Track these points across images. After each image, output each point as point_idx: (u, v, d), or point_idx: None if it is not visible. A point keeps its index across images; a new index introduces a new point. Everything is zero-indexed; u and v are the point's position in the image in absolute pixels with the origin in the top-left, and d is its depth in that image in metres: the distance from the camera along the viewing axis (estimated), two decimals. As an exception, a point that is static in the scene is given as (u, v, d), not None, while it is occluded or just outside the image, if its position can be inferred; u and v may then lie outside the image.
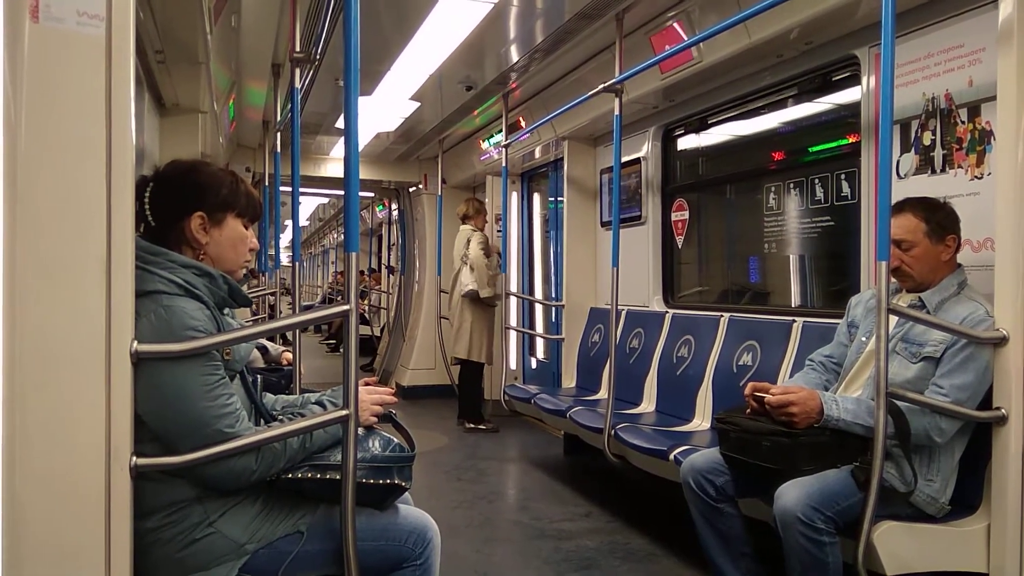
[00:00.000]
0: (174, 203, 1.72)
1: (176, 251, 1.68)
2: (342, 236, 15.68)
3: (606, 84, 3.85)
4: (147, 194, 1.70)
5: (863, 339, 2.51)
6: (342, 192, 1.80)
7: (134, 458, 1.43)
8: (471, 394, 6.10)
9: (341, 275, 15.04)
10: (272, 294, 6.76)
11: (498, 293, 5.80)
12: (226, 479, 1.60)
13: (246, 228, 1.82)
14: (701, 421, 3.74)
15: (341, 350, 10.79)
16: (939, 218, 2.37)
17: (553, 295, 6.50)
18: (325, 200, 12.42)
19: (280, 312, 6.90)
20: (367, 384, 1.91)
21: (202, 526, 1.60)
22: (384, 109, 5.80)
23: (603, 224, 5.21)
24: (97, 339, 1.37)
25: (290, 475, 1.68)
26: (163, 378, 1.51)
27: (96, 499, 1.38)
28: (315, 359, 10.71)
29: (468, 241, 5.95)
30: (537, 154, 6.19)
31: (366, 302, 11.29)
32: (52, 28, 1.32)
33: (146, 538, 1.56)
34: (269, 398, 2.00)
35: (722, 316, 3.86)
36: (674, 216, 4.60)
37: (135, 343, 1.43)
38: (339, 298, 13.23)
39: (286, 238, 7.67)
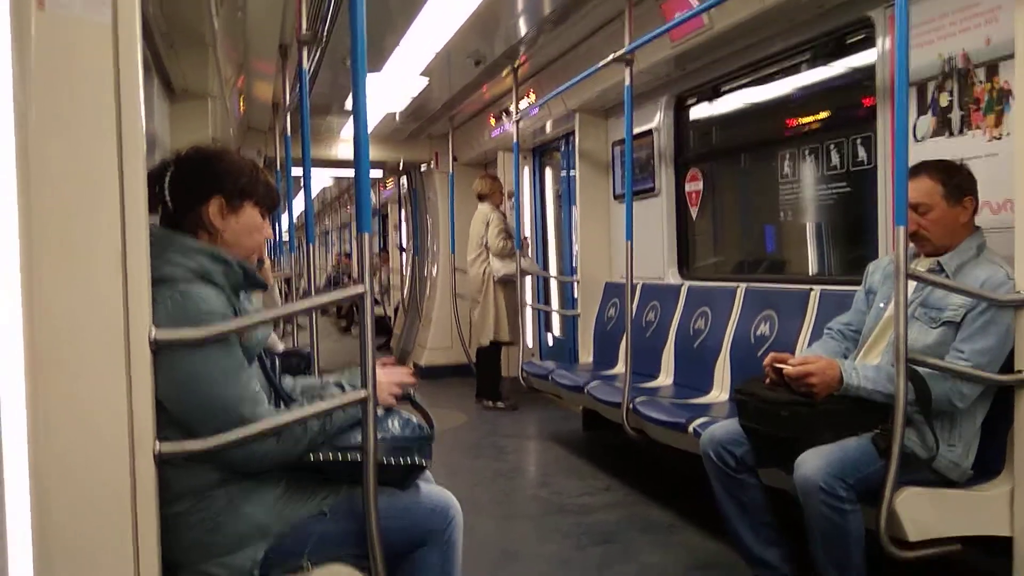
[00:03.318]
0: (194, 187, 1.73)
1: (192, 236, 1.69)
2: (343, 219, 15.81)
3: (616, 54, 3.81)
4: (167, 178, 1.71)
5: (881, 305, 2.49)
6: (352, 172, 1.79)
7: (158, 444, 1.44)
8: (490, 373, 6.11)
9: (346, 257, 15.11)
10: (288, 279, 6.79)
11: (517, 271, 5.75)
12: (248, 462, 1.61)
13: (263, 217, 1.83)
14: (720, 392, 3.73)
15: (352, 331, 10.87)
16: (956, 180, 2.33)
17: (568, 271, 6.48)
18: (329, 182, 12.42)
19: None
20: (385, 365, 1.91)
21: (227, 510, 1.62)
22: (393, 87, 5.77)
23: (616, 197, 5.18)
24: (115, 327, 1.38)
25: (311, 457, 1.69)
26: (182, 364, 1.52)
27: (122, 486, 1.39)
28: (328, 341, 10.74)
29: (487, 224, 5.92)
30: (548, 128, 6.15)
31: (376, 281, 11.30)
32: (58, 15, 1.32)
33: (172, 523, 1.57)
34: (288, 381, 2.01)
35: (738, 287, 3.84)
36: (688, 187, 4.56)
37: (153, 330, 1.44)
38: (345, 279, 13.33)
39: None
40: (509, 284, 5.86)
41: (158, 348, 1.45)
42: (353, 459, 1.69)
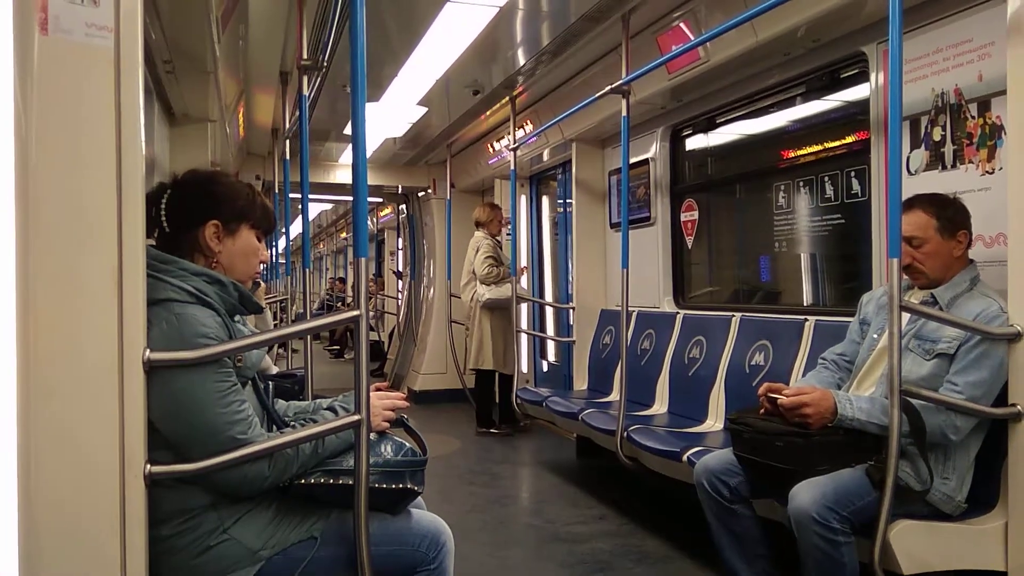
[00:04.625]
0: (190, 210, 1.73)
1: (188, 259, 1.69)
2: (338, 243, 15.85)
3: (613, 85, 3.85)
4: (164, 200, 1.72)
5: (875, 336, 2.49)
6: (351, 198, 1.80)
7: (148, 466, 1.43)
8: (483, 399, 6.09)
9: (340, 282, 15.14)
10: (283, 300, 6.80)
11: (509, 296, 5.74)
12: (239, 485, 1.60)
13: (259, 240, 1.84)
14: (714, 422, 3.72)
15: (345, 356, 10.88)
16: (949, 214, 2.35)
17: (564, 298, 6.49)
18: (327, 207, 12.47)
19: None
20: (378, 389, 1.91)
21: (216, 533, 1.61)
22: (392, 115, 5.81)
23: (612, 226, 5.21)
24: (110, 348, 1.38)
25: (303, 481, 1.68)
26: (176, 386, 1.52)
27: (111, 507, 1.38)
28: (320, 365, 10.68)
29: (477, 251, 5.94)
30: (545, 157, 6.19)
31: (372, 306, 11.31)
32: (61, 40, 1.33)
33: (161, 545, 1.56)
34: (281, 404, 2.01)
35: (733, 316, 3.85)
36: (683, 216, 4.59)
37: (147, 351, 1.44)
38: (339, 304, 13.33)
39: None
40: (497, 311, 5.87)
41: (152, 369, 1.45)
42: (345, 483, 1.68)
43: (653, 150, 4.67)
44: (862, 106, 3.21)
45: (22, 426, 1.21)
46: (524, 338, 6.50)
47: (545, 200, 7.03)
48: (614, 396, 4.59)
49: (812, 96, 3.65)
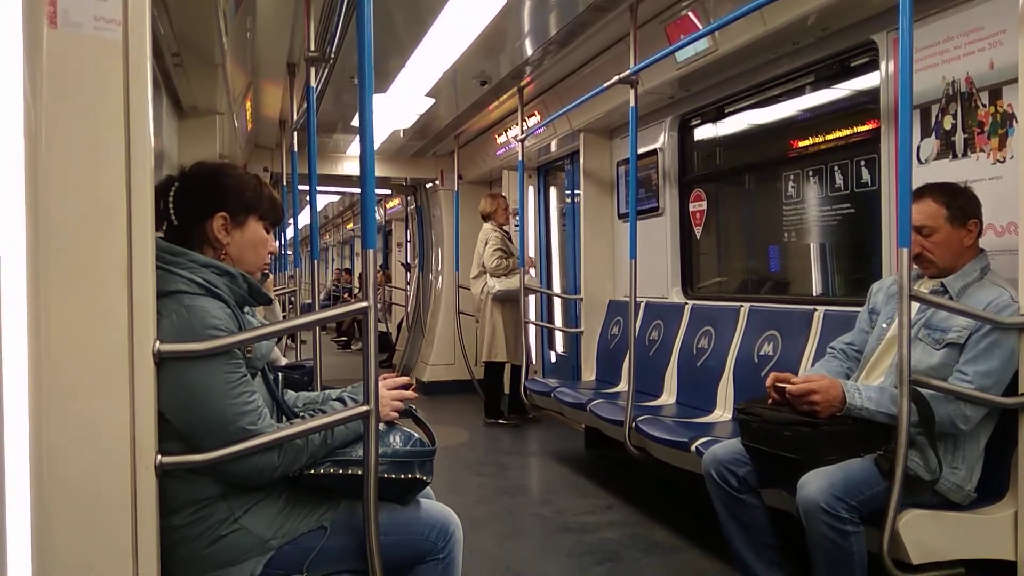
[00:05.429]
0: (198, 203, 1.74)
1: (197, 251, 1.70)
2: (344, 234, 15.83)
3: (621, 75, 3.83)
4: (172, 193, 1.72)
5: (884, 326, 2.48)
6: (358, 190, 1.80)
7: (159, 457, 1.44)
8: (491, 390, 6.10)
9: (346, 272, 15.16)
10: (293, 292, 6.81)
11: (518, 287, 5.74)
12: (249, 476, 1.61)
13: (267, 232, 1.84)
14: (722, 412, 3.72)
15: (352, 347, 10.80)
16: (960, 203, 2.34)
17: (572, 288, 6.49)
18: (334, 198, 12.47)
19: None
20: (386, 379, 1.91)
21: (227, 523, 1.62)
22: (399, 106, 5.81)
23: (620, 216, 5.20)
24: (120, 340, 1.39)
25: (312, 471, 1.69)
26: (186, 377, 1.53)
27: (122, 498, 1.39)
28: (327, 356, 10.71)
29: (486, 243, 5.95)
30: (553, 147, 6.18)
31: (379, 298, 11.27)
32: (70, 33, 1.34)
33: (172, 536, 1.58)
34: (290, 395, 2.02)
35: (742, 306, 3.84)
36: (692, 207, 4.58)
37: (158, 343, 1.45)
38: (345, 295, 13.34)
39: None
40: (508, 303, 5.86)
41: (162, 361, 1.46)
42: (354, 473, 1.69)
43: (661, 140, 4.66)
44: (872, 95, 3.19)
45: (34, 417, 1.22)
46: (532, 329, 6.51)
47: (553, 191, 7.02)
48: (622, 387, 4.59)
49: (822, 85, 3.63)
